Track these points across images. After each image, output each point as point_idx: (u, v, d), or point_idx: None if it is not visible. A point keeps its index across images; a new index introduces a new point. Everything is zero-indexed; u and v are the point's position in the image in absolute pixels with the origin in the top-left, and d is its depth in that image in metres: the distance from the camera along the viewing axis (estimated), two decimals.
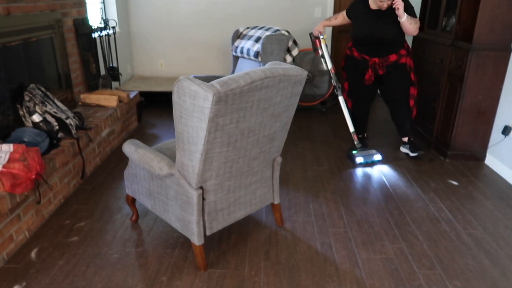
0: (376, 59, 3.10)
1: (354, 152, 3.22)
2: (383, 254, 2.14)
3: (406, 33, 3.00)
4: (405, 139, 3.39)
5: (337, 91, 3.32)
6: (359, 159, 3.19)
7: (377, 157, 3.23)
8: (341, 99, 3.32)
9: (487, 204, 2.66)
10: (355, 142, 3.29)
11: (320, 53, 3.33)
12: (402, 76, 3.14)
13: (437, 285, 1.93)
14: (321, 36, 3.29)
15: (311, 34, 3.34)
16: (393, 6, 2.86)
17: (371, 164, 3.20)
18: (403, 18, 2.87)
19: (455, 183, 2.94)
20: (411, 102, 3.23)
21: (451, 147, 3.26)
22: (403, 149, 3.44)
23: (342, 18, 3.22)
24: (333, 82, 3.31)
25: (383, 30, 2.98)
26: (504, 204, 2.66)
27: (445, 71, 3.28)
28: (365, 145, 3.39)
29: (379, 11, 2.97)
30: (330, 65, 3.31)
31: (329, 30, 5.08)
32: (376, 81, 3.23)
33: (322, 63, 3.48)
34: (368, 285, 1.93)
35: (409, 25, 2.91)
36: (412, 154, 3.33)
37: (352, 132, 3.32)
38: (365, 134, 3.58)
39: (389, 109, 3.35)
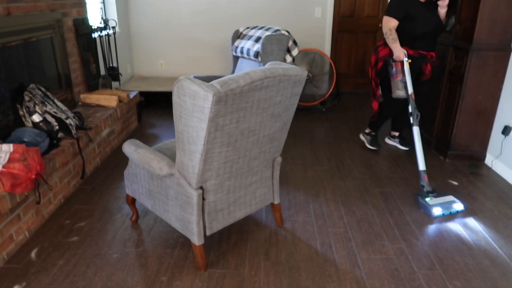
0: (433, 53, 3.06)
1: (427, 199, 2.58)
2: (383, 254, 2.14)
3: None
4: (396, 133, 3.57)
5: (413, 120, 2.83)
6: (437, 210, 2.51)
7: (458, 206, 2.55)
8: (415, 129, 2.81)
9: (487, 204, 2.66)
10: (425, 184, 2.66)
11: (403, 78, 2.96)
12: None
13: (437, 285, 1.93)
14: (405, 59, 2.94)
15: (390, 59, 3.03)
16: None
17: (450, 215, 2.55)
18: (445, 9, 2.90)
19: (455, 183, 2.94)
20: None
21: (451, 147, 3.26)
22: (390, 141, 3.59)
23: (395, 23, 2.98)
24: (411, 109, 2.86)
25: (440, 23, 2.98)
26: (504, 204, 2.66)
27: (445, 71, 3.28)
28: (408, 143, 3.40)
29: (426, 3, 2.96)
30: (411, 90, 2.91)
31: (329, 30, 5.09)
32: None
33: (399, 89, 2.96)
34: (368, 285, 1.93)
35: (444, 18, 2.97)
36: (403, 147, 3.50)
37: (423, 171, 2.69)
38: (401, 133, 3.61)
39: (404, 103, 3.23)
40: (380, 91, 3.30)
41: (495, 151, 3.16)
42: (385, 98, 3.30)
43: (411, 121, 2.85)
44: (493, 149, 3.19)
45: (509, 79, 2.99)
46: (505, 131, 3.01)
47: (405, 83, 2.95)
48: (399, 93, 2.98)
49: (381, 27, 5.12)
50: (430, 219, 2.48)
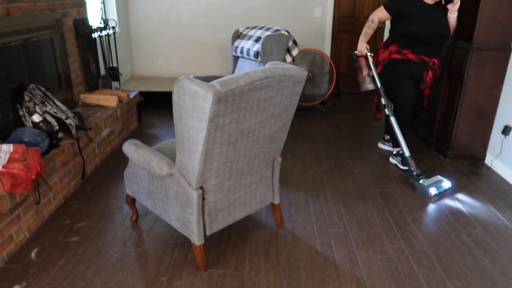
0: (435, 60, 2.94)
1: (421, 181, 2.77)
2: (383, 254, 2.14)
3: None
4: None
5: (388, 110, 3.00)
6: (433, 190, 2.71)
7: (447, 184, 2.80)
8: (393, 119, 2.98)
9: (487, 204, 2.66)
10: (413, 168, 2.87)
11: (370, 73, 3.02)
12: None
13: (437, 285, 1.93)
14: (369, 54, 3.00)
15: (353, 54, 3.08)
16: (454, 0, 2.70)
17: (444, 193, 2.78)
18: (456, 14, 2.75)
19: (455, 183, 2.94)
20: (425, 103, 3.25)
21: (451, 147, 3.26)
22: (384, 146, 3.52)
23: (378, 19, 2.94)
24: (383, 101, 3.00)
25: (446, 26, 2.82)
26: (504, 204, 2.66)
27: (445, 71, 3.28)
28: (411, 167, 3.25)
29: (434, 6, 2.80)
30: (379, 83, 3.01)
31: (329, 30, 5.09)
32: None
33: (367, 83, 3.01)
34: (368, 285, 1.93)
35: (455, 23, 2.81)
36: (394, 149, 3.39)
37: (408, 156, 2.89)
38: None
39: (411, 112, 3.13)
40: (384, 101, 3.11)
41: (495, 151, 3.16)
42: (395, 106, 3.09)
43: (386, 112, 2.99)
44: (493, 149, 3.19)
45: (509, 79, 2.99)
46: (505, 131, 3.01)
47: (372, 77, 3.02)
48: (367, 86, 3.05)
49: (381, 27, 5.13)
50: (430, 218, 2.48)
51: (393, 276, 1.98)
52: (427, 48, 2.88)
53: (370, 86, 3.04)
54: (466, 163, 3.25)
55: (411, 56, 2.91)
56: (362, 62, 3.05)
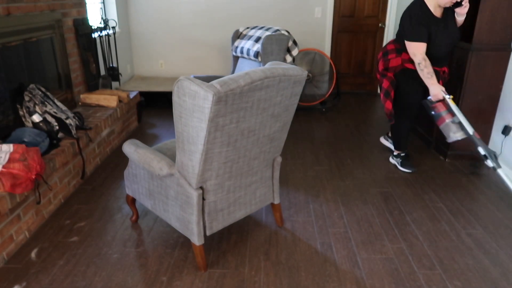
0: (445, 68, 2.88)
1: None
2: (383, 254, 2.14)
3: None
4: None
5: (492, 162, 2.38)
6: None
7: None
8: (501, 172, 2.37)
9: (487, 204, 2.66)
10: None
11: (455, 119, 2.54)
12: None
13: (437, 285, 1.93)
14: (447, 96, 2.57)
15: (426, 101, 2.67)
16: (463, 4, 2.56)
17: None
18: (464, 17, 2.67)
19: (455, 182, 2.94)
20: None
21: (451, 147, 3.26)
22: (387, 142, 3.46)
23: (424, 53, 2.64)
24: (483, 150, 2.42)
25: (458, 34, 2.73)
26: (504, 204, 2.66)
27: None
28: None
29: (444, 16, 2.69)
30: (471, 130, 2.48)
31: (329, 30, 5.09)
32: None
33: (453, 132, 2.52)
34: (368, 285, 1.93)
35: (461, 24, 2.77)
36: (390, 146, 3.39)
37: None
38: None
39: (415, 118, 3.07)
40: (387, 84, 2.94)
41: (495, 151, 3.16)
42: (399, 111, 3.02)
43: (491, 165, 2.37)
44: (493, 149, 3.19)
45: (509, 79, 3.00)
46: (505, 131, 3.01)
47: (459, 123, 2.52)
48: (455, 136, 2.53)
49: (381, 27, 5.13)
50: (430, 218, 2.47)
51: (393, 276, 1.98)
52: (439, 59, 2.78)
53: (458, 135, 2.52)
54: (466, 163, 3.25)
55: None
56: (441, 108, 2.59)
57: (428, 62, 2.63)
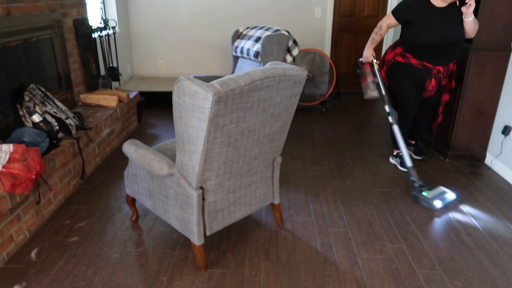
0: (441, 68, 2.79)
1: (425, 194, 2.61)
2: (383, 254, 2.14)
3: (465, 36, 2.72)
4: (412, 141, 3.34)
5: (392, 119, 2.89)
6: (438, 203, 2.55)
7: (451, 196, 2.64)
8: (396, 127, 2.87)
9: (487, 204, 2.65)
10: (415, 179, 2.71)
11: (375, 80, 2.93)
12: (449, 83, 2.99)
13: (437, 285, 1.93)
14: (374, 61, 2.92)
15: (358, 61, 3.01)
16: (466, 1, 2.52)
17: (448, 205, 2.63)
18: (471, 17, 2.57)
19: (455, 182, 2.94)
20: (441, 109, 3.12)
21: (451, 147, 3.26)
22: (392, 160, 3.27)
23: (386, 26, 2.83)
24: (387, 108, 2.89)
25: (457, 32, 2.63)
26: (504, 204, 2.66)
27: None
28: (422, 152, 3.27)
29: (446, 9, 2.62)
30: (384, 91, 2.91)
31: (329, 30, 5.09)
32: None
33: (370, 90, 2.91)
34: (368, 285, 1.93)
35: (473, 26, 2.63)
36: (416, 157, 3.31)
37: (410, 167, 2.75)
38: (418, 142, 3.40)
39: (413, 117, 3.07)
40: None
41: (495, 151, 3.16)
42: (396, 108, 3.04)
43: (390, 120, 2.88)
44: (493, 149, 3.19)
45: (509, 79, 3.00)
46: (505, 131, 3.01)
47: (377, 84, 2.92)
48: (371, 94, 2.94)
49: None
50: (430, 218, 2.48)
51: (393, 276, 1.98)
52: (432, 55, 2.73)
53: (374, 94, 2.94)
54: (466, 163, 3.25)
55: (413, 61, 2.80)
56: (367, 68, 2.96)
57: (381, 32, 2.85)
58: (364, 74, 2.97)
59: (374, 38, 2.91)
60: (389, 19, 2.82)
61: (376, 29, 2.89)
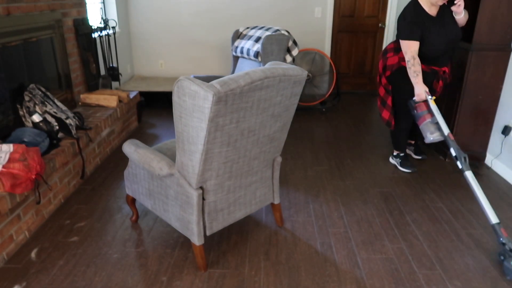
0: (446, 68, 2.81)
1: None
2: (383, 254, 2.14)
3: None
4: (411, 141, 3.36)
5: (461, 164, 2.35)
6: None
7: None
8: (469, 175, 2.29)
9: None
10: (505, 241, 2.04)
11: (434, 119, 2.56)
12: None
13: (437, 285, 1.93)
14: (429, 97, 2.59)
15: (411, 102, 2.68)
16: (456, 2, 2.55)
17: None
18: (462, 14, 2.60)
19: (454, 183, 2.94)
20: None
21: None
22: (392, 161, 3.26)
23: (415, 52, 2.64)
24: (454, 151, 2.39)
25: (457, 32, 2.68)
26: (504, 204, 2.66)
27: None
28: (421, 152, 3.26)
29: (440, 14, 2.67)
30: (447, 130, 2.51)
31: (329, 30, 5.09)
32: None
33: (431, 132, 2.54)
34: (368, 285, 1.93)
35: (465, 18, 2.67)
36: (416, 156, 3.32)
37: (497, 224, 2.11)
38: (418, 142, 3.39)
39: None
40: (383, 91, 3.00)
41: (495, 151, 3.16)
42: (397, 111, 2.99)
43: (460, 166, 2.36)
44: (493, 149, 3.19)
45: (509, 79, 3.00)
46: (505, 131, 3.01)
47: (437, 123, 2.55)
48: (433, 136, 2.56)
49: (381, 27, 5.12)
50: (430, 218, 2.48)
51: (393, 276, 1.98)
52: (439, 59, 2.75)
53: (436, 137, 2.55)
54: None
55: (422, 66, 2.74)
56: (422, 107, 2.61)
57: (417, 61, 2.64)
58: (420, 114, 2.61)
59: (416, 70, 2.63)
60: (412, 46, 2.64)
61: (410, 62, 2.64)
